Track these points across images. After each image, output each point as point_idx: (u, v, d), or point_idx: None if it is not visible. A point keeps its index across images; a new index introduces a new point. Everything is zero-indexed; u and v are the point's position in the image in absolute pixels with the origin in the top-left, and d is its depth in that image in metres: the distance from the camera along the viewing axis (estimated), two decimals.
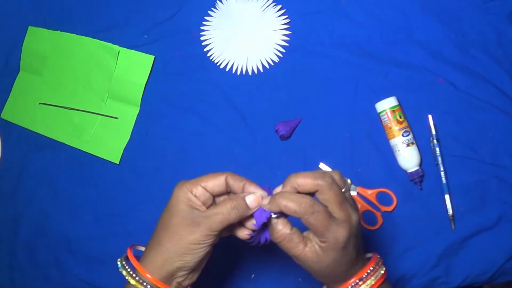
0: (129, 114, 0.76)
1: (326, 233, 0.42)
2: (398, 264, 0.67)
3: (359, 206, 0.69)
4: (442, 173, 0.68)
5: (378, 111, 0.69)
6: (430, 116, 0.69)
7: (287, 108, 0.73)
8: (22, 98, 0.81)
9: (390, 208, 0.68)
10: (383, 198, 0.69)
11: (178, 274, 0.47)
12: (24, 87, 0.82)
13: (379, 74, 0.72)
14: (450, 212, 0.67)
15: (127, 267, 0.47)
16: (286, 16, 0.75)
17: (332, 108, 0.72)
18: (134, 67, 0.76)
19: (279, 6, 0.75)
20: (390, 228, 0.68)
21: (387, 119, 0.68)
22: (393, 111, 0.68)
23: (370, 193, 0.69)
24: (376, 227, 0.68)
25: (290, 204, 0.43)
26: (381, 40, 0.73)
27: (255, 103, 0.74)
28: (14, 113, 0.81)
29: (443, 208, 0.68)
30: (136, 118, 0.76)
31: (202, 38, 0.77)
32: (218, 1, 0.77)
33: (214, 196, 0.48)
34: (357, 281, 0.45)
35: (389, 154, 0.70)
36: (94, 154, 0.76)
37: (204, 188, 0.47)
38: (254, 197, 0.46)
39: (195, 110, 0.75)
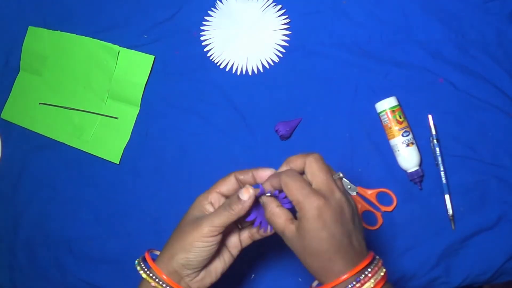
0: (129, 114, 0.76)
1: (302, 200, 0.43)
2: (398, 264, 0.67)
3: (359, 206, 0.69)
4: (442, 173, 0.68)
5: (378, 111, 0.69)
6: (430, 116, 0.69)
7: (287, 108, 0.73)
8: (22, 98, 0.81)
9: (390, 208, 0.68)
10: (383, 198, 0.69)
11: (184, 273, 0.48)
12: (24, 87, 0.82)
13: (379, 74, 0.72)
14: (450, 212, 0.67)
15: (142, 265, 0.49)
16: (286, 16, 0.75)
17: (332, 108, 0.72)
18: (134, 67, 0.76)
19: (279, 6, 0.75)
20: (390, 228, 0.68)
21: (387, 119, 0.68)
22: (393, 111, 0.68)
23: (370, 193, 0.69)
24: (376, 227, 0.68)
25: (275, 179, 0.46)
26: (381, 40, 0.73)
27: (255, 103, 0.74)
28: (14, 113, 0.81)
29: (443, 208, 0.68)
30: (136, 118, 0.76)
31: (202, 38, 0.77)
32: (218, 1, 0.77)
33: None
34: (354, 282, 0.42)
35: (389, 154, 0.70)
36: (94, 154, 0.76)
37: (219, 193, 0.50)
38: (244, 189, 0.46)
39: (195, 110, 0.75)
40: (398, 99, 0.69)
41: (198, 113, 0.75)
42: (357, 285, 0.42)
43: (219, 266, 0.51)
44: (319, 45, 0.74)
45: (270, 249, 0.70)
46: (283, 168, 0.48)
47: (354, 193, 0.69)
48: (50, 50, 0.80)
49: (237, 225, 0.54)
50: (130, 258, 0.72)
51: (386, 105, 0.68)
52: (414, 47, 0.72)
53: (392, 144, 0.69)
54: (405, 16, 0.73)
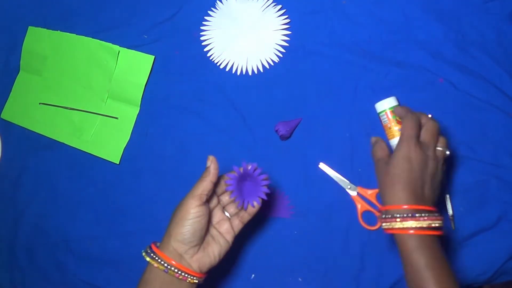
0: (129, 114, 0.76)
1: (406, 137, 0.55)
2: (398, 264, 0.67)
3: (359, 206, 0.69)
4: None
5: (378, 111, 0.69)
6: (430, 116, 0.69)
7: (287, 108, 0.73)
8: (22, 98, 0.81)
9: None
10: None
11: (182, 249, 0.53)
12: (24, 87, 0.82)
13: (379, 74, 0.72)
14: (450, 212, 0.67)
15: (148, 251, 0.54)
16: (286, 16, 0.75)
17: (332, 108, 0.72)
18: (134, 67, 0.76)
19: (279, 6, 0.75)
20: None
21: (386, 119, 0.68)
22: (393, 111, 0.68)
23: (370, 193, 0.69)
24: (376, 227, 0.68)
25: (398, 109, 0.60)
26: (381, 40, 0.73)
27: (255, 103, 0.74)
28: (14, 113, 0.81)
29: (443, 208, 0.68)
30: (136, 118, 0.76)
31: (202, 38, 0.77)
32: (218, 1, 0.77)
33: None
34: (409, 214, 0.50)
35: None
36: (94, 154, 0.76)
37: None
38: (207, 160, 0.56)
39: (195, 110, 0.75)
40: (398, 99, 0.69)
41: (198, 113, 0.75)
42: (410, 220, 0.50)
43: (215, 248, 0.55)
44: (319, 45, 0.74)
45: (270, 249, 0.70)
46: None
47: (355, 193, 0.69)
48: (50, 50, 0.80)
49: (224, 212, 0.59)
50: (130, 258, 0.72)
51: (386, 105, 0.68)
52: (414, 47, 0.72)
53: (392, 144, 0.68)
54: (405, 16, 0.73)
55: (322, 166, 0.71)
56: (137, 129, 0.76)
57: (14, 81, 0.82)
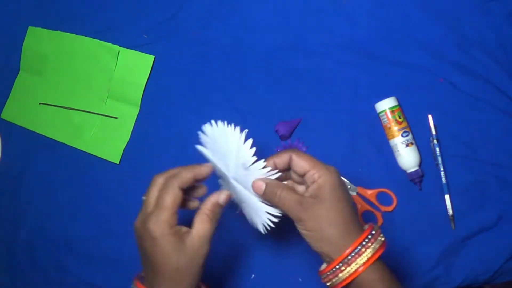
0: (129, 114, 0.76)
1: (319, 170, 0.46)
2: (398, 264, 0.67)
3: (359, 206, 0.69)
4: (442, 173, 0.68)
5: (378, 111, 0.69)
6: (430, 116, 0.69)
7: (287, 108, 0.73)
8: (22, 98, 0.81)
9: (390, 208, 0.68)
10: (383, 198, 0.69)
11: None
12: (24, 87, 0.82)
13: (379, 74, 0.72)
14: (450, 212, 0.67)
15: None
16: None
17: (332, 108, 0.72)
18: (134, 67, 0.76)
19: None
20: (390, 228, 0.68)
21: (386, 119, 0.68)
22: (393, 111, 0.68)
23: (370, 193, 0.69)
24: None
25: (278, 158, 0.49)
26: (381, 40, 0.73)
27: (255, 103, 0.74)
28: (14, 113, 0.81)
29: (443, 208, 0.68)
30: (136, 118, 0.76)
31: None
32: None
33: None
34: (353, 252, 0.44)
35: (389, 154, 0.69)
36: (94, 154, 0.76)
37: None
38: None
39: (195, 110, 0.75)
40: (397, 99, 0.69)
41: (198, 113, 0.75)
42: (355, 255, 0.44)
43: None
44: (319, 45, 0.74)
45: (270, 249, 0.70)
46: (267, 163, 0.49)
47: (354, 193, 0.69)
48: (50, 50, 0.80)
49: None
50: (130, 258, 0.72)
51: (385, 105, 0.68)
52: (414, 47, 0.72)
53: (392, 144, 0.69)
54: (405, 16, 0.73)
55: None
56: (137, 129, 0.76)
57: (14, 81, 0.82)
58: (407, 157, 0.67)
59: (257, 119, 0.73)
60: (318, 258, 0.69)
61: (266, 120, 0.73)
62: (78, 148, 0.77)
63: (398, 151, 0.68)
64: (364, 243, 0.44)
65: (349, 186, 0.69)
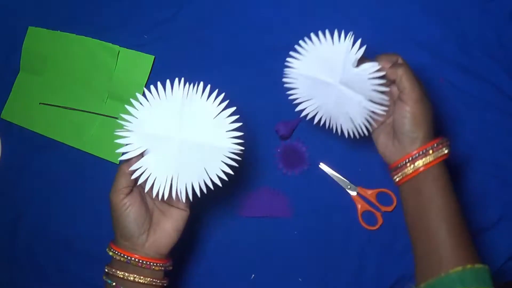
0: None
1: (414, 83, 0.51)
2: (398, 264, 0.67)
3: (359, 206, 0.69)
4: None
5: None
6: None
7: (287, 108, 0.73)
8: (22, 98, 0.81)
9: (390, 208, 0.68)
10: (383, 198, 0.69)
11: (130, 242, 0.51)
12: (24, 87, 0.82)
13: None
14: None
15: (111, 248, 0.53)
16: None
17: None
18: (134, 67, 0.76)
19: None
20: (390, 228, 0.68)
21: None
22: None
23: (370, 193, 0.69)
24: (376, 227, 0.68)
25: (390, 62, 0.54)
26: (381, 40, 0.73)
27: (255, 103, 0.74)
28: (14, 113, 0.81)
29: None
30: None
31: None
32: None
33: None
34: (416, 154, 0.50)
35: None
36: (94, 154, 0.76)
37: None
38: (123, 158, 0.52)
39: None
40: None
41: None
42: (418, 157, 0.51)
43: (168, 224, 0.53)
44: None
45: (270, 249, 0.70)
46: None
47: (354, 193, 0.69)
48: (50, 50, 0.80)
49: None
50: None
51: None
52: (414, 47, 0.72)
53: None
54: (405, 16, 0.73)
55: (322, 166, 0.71)
56: None
57: (14, 81, 0.82)
58: None
59: (257, 119, 0.73)
60: (318, 258, 0.69)
61: (266, 120, 0.73)
62: (78, 148, 0.77)
63: None
64: (428, 148, 0.50)
65: (349, 186, 0.69)
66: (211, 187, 0.51)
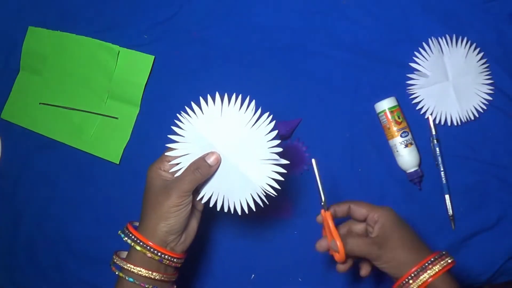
0: (129, 114, 0.76)
1: (376, 211, 0.53)
2: None
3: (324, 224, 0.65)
4: (442, 173, 0.68)
5: (377, 111, 0.69)
6: (430, 116, 0.69)
7: (287, 108, 0.73)
8: (22, 98, 0.81)
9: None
10: (383, 198, 0.69)
11: (169, 239, 0.52)
12: (24, 87, 0.82)
13: (379, 74, 0.72)
14: (450, 212, 0.67)
15: (131, 235, 0.53)
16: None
17: (332, 108, 0.72)
18: (134, 67, 0.76)
19: None
20: None
21: (385, 119, 0.68)
22: (392, 111, 0.68)
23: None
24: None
25: (338, 207, 0.57)
26: (381, 40, 0.73)
27: (255, 103, 0.74)
28: (14, 113, 0.81)
29: (443, 208, 0.68)
30: (136, 118, 0.76)
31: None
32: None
33: None
34: (418, 269, 0.49)
35: (389, 154, 0.70)
36: (94, 154, 0.76)
37: (168, 161, 0.55)
38: (214, 156, 0.52)
39: None
40: (397, 99, 0.69)
41: None
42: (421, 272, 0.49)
43: (194, 223, 0.56)
44: (319, 45, 0.74)
45: (270, 249, 0.70)
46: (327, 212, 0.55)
47: (323, 212, 0.57)
48: (50, 50, 0.80)
49: None
50: None
51: (385, 106, 0.68)
52: (414, 47, 0.72)
53: (391, 144, 0.69)
54: (405, 16, 0.73)
55: (314, 163, 0.62)
56: (137, 129, 0.76)
57: (14, 81, 0.82)
58: (406, 157, 0.67)
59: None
60: (318, 258, 0.69)
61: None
62: (78, 148, 0.77)
63: (397, 151, 0.68)
64: (430, 261, 0.50)
65: (322, 203, 0.65)
66: (246, 210, 0.54)
